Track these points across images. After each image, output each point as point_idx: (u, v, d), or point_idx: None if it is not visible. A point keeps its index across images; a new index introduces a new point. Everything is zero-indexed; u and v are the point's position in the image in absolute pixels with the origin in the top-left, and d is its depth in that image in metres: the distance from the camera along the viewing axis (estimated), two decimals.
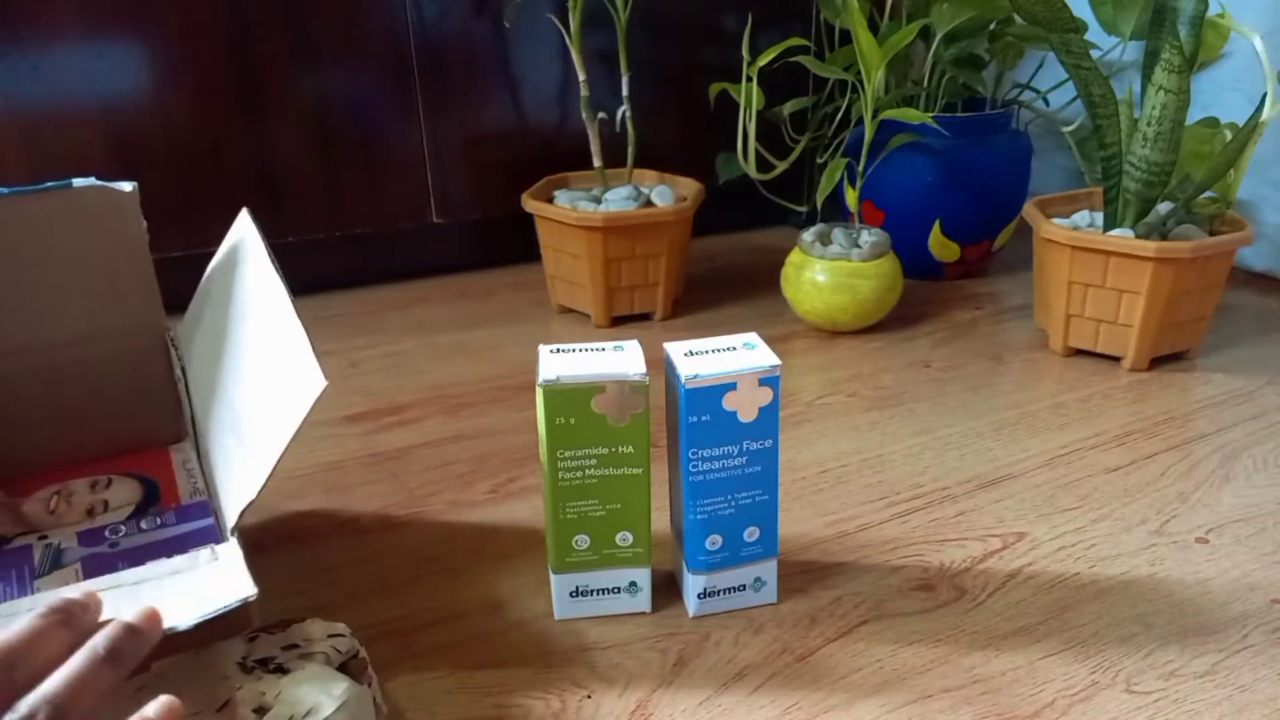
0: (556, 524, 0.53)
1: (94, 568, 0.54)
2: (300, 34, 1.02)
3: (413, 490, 0.71)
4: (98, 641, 0.36)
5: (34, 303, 0.60)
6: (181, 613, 0.39)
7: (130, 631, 0.37)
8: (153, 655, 0.42)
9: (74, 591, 0.38)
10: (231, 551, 0.44)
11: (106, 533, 0.44)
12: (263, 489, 0.44)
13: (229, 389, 0.55)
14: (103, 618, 0.39)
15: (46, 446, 0.62)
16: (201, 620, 0.39)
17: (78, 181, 0.57)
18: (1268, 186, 1.12)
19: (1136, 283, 0.85)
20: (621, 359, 0.52)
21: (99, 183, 0.57)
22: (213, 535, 0.56)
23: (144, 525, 0.44)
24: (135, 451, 0.63)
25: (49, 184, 0.57)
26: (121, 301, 0.61)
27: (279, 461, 0.44)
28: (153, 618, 0.38)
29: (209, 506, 0.45)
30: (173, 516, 0.45)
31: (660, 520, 0.59)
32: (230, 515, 0.45)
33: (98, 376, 0.62)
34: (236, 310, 0.57)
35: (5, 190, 0.55)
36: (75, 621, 0.37)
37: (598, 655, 0.54)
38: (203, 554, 0.44)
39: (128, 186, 0.58)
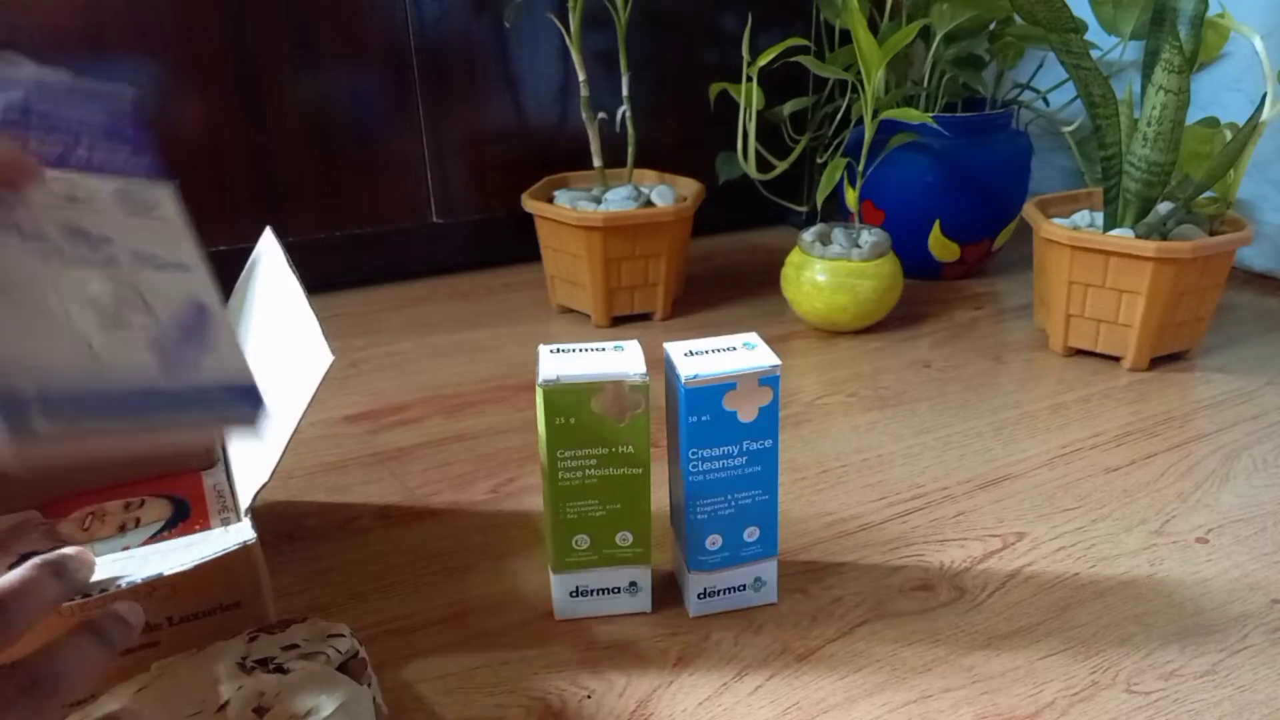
0: (556, 524, 0.53)
1: None
2: (300, 34, 1.02)
3: (413, 490, 0.71)
4: (90, 620, 0.37)
5: None
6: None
7: (118, 618, 0.38)
8: (153, 655, 0.43)
9: (70, 550, 0.39)
10: (243, 528, 0.45)
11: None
12: (276, 469, 0.45)
13: None
14: (105, 577, 0.40)
15: (82, 470, 0.62)
16: (199, 563, 0.42)
17: None
18: (1268, 186, 1.12)
19: (1136, 283, 0.85)
20: (621, 359, 0.52)
21: None
22: None
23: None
24: (168, 476, 0.64)
25: None
26: None
27: (289, 443, 0.45)
28: (137, 611, 0.39)
29: None
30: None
31: (660, 520, 0.59)
32: (245, 497, 0.46)
33: None
34: (249, 311, 0.58)
35: None
36: (67, 574, 0.38)
37: (598, 655, 0.54)
38: (215, 531, 0.45)
39: None
